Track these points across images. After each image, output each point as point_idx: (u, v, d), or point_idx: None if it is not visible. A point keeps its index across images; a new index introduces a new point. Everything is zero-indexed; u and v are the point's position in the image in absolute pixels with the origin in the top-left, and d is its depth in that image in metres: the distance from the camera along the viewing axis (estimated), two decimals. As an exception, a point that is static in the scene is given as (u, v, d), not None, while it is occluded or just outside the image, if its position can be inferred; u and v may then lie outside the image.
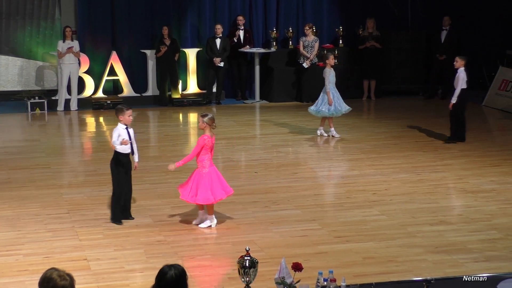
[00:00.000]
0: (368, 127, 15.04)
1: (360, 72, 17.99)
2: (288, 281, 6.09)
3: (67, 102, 16.66)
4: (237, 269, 6.29)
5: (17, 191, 10.66)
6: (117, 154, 9.21)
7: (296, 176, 11.46)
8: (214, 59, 17.20)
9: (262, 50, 17.83)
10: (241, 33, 17.73)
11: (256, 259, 6.24)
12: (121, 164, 9.21)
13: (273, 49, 17.89)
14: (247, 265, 6.18)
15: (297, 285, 6.12)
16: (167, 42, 16.99)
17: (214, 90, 17.57)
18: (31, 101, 16.33)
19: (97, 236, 8.83)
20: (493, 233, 8.91)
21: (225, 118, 15.85)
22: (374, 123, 15.50)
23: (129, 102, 16.89)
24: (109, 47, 17.36)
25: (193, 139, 14.32)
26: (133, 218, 9.40)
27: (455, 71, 13.33)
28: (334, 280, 6.09)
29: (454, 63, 13.35)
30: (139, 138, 14.24)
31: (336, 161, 12.58)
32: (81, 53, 16.82)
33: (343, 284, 6.16)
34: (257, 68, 17.74)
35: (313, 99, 15.22)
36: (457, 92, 13.18)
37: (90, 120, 16.14)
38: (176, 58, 17.16)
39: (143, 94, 17.49)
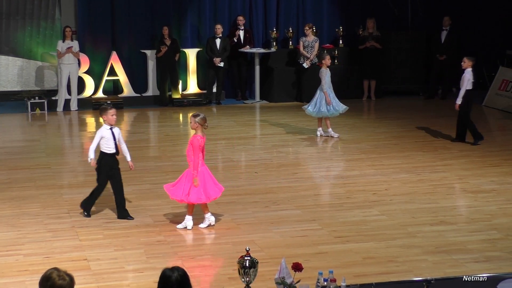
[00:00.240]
0: (368, 127, 15.04)
1: (360, 72, 17.99)
2: (288, 281, 6.09)
3: (67, 102, 16.66)
4: (237, 269, 6.29)
5: (17, 191, 10.67)
6: (102, 154, 9.29)
7: (296, 176, 11.46)
8: (214, 59, 17.20)
9: (262, 50, 17.84)
10: (241, 33, 17.73)
11: (256, 259, 6.24)
12: (105, 164, 9.30)
13: (273, 49, 17.89)
14: (247, 265, 6.18)
15: (297, 285, 6.12)
16: (168, 42, 16.99)
17: (214, 90, 17.58)
18: (31, 101, 16.33)
19: (97, 236, 8.83)
20: (493, 233, 8.91)
21: (225, 118, 15.86)
22: (374, 123, 15.50)
23: (129, 102, 17.06)
24: (109, 47, 17.36)
25: (193, 139, 14.31)
26: (132, 218, 9.40)
27: (462, 71, 13.32)
28: (334, 280, 6.09)
29: (462, 63, 13.30)
30: (139, 138, 14.33)
31: (336, 161, 12.59)
32: (81, 53, 16.82)
33: (343, 284, 6.16)
34: (257, 68, 17.74)
35: (313, 99, 15.23)
36: (461, 92, 13.15)
37: (90, 120, 16.14)
38: (176, 58, 17.17)
39: (143, 94, 17.49)
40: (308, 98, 16.93)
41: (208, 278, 7.80)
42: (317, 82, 13.82)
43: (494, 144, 13.51)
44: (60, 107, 16.63)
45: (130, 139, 14.52)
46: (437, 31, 18.02)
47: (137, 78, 17.55)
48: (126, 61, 17.42)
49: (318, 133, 14.03)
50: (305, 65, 17.30)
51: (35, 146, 13.57)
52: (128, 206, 9.81)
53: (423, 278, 6.74)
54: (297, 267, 6.12)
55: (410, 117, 15.88)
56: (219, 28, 17.26)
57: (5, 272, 7.78)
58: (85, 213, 9.46)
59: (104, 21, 17.40)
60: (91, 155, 9.34)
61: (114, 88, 17.54)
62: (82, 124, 15.97)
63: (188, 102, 17.24)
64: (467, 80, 13.11)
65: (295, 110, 16.58)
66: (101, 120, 15.81)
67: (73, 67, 16.62)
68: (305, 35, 17.40)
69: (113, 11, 17.46)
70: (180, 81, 17.46)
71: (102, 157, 9.31)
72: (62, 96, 16.65)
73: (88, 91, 17.08)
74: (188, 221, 9.06)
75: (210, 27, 17.78)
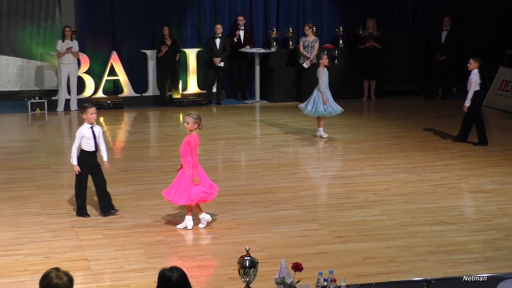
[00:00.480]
0: (368, 127, 15.04)
1: (360, 72, 17.99)
2: (288, 281, 6.09)
3: (67, 102, 16.66)
4: (237, 269, 6.28)
5: (17, 191, 10.66)
6: (82, 152, 9.40)
7: (296, 176, 11.45)
8: (214, 59, 17.20)
9: (262, 50, 17.83)
10: (241, 33, 17.73)
11: (256, 259, 6.23)
12: (85, 162, 9.39)
13: (273, 49, 17.89)
14: (247, 265, 6.18)
15: (297, 285, 6.12)
16: (168, 42, 16.98)
17: (214, 90, 17.57)
18: (31, 101, 16.33)
19: (97, 236, 8.83)
20: (493, 233, 8.91)
21: (225, 118, 15.86)
22: (374, 123, 15.50)
23: (129, 102, 17.05)
24: (109, 47, 17.36)
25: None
26: (116, 210, 9.52)
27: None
28: (334, 280, 6.09)
29: (468, 65, 13.25)
30: (139, 138, 14.33)
31: (336, 161, 12.58)
32: (81, 53, 16.82)
33: (343, 284, 6.15)
34: (257, 68, 17.74)
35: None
36: (470, 95, 13.09)
37: (90, 120, 16.12)
38: (177, 58, 17.16)
39: (143, 94, 17.48)
40: (308, 98, 16.99)
41: (208, 278, 7.80)
42: (317, 83, 13.81)
43: (494, 144, 13.50)
44: (60, 107, 16.63)
45: (130, 139, 14.54)
46: (437, 31, 18.02)
47: (137, 78, 17.55)
48: (126, 61, 17.42)
49: (318, 134, 14.02)
50: (305, 65, 17.30)
51: (35, 146, 13.57)
52: (128, 206, 9.83)
53: (423, 278, 6.74)
54: (297, 267, 6.12)
55: (410, 117, 15.88)
56: (219, 28, 17.26)
57: (5, 272, 7.78)
58: (85, 216, 9.46)
59: (104, 21, 17.40)
60: (74, 160, 9.36)
61: (114, 88, 17.54)
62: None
63: (188, 102, 17.24)
64: (474, 81, 13.08)
65: (295, 110, 16.53)
66: (101, 119, 15.80)
67: (72, 67, 16.62)
68: (305, 35, 17.40)
69: (113, 11, 17.45)
70: (180, 81, 17.46)
71: (82, 154, 9.42)
72: (62, 96, 16.64)
73: (88, 91, 17.07)
74: (188, 221, 9.06)
75: (210, 27, 17.77)
